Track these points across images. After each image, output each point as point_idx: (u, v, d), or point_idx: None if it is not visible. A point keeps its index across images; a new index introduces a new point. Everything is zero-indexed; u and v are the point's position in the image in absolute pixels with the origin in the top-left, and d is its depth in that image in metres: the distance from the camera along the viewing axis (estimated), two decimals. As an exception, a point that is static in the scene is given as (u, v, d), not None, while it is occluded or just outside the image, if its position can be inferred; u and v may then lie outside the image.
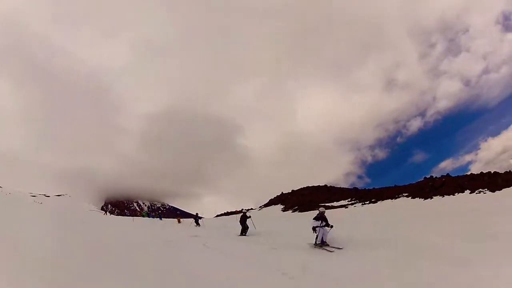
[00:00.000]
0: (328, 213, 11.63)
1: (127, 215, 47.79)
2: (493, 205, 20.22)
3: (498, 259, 6.83)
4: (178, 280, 5.59)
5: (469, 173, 32.28)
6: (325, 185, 48.42)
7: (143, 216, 42.42)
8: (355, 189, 44.74)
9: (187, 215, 50.43)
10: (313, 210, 39.78)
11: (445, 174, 29.94)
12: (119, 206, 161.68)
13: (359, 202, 35.42)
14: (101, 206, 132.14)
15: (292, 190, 50.05)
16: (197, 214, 24.54)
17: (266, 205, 53.59)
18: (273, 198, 52.54)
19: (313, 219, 10.59)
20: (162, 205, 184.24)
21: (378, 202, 32.54)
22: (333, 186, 48.84)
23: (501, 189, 26.21)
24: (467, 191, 26.86)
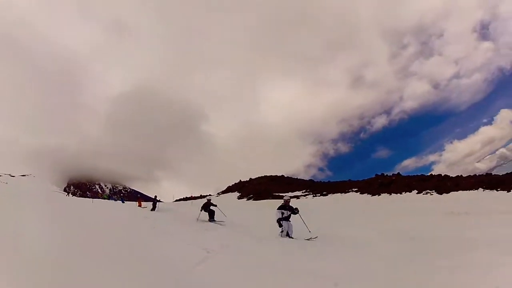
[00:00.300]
0: (278, 204, 10.23)
1: (89, 197, 45.89)
2: (434, 207, 19.43)
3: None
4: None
5: (431, 173, 31.69)
6: (282, 176, 47.13)
7: (104, 198, 42.12)
8: (311, 181, 43.86)
9: (148, 198, 48.98)
10: (267, 199, 38.72)
11: (396, 173, 29.00)
12: (81, 188, 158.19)
13: (311, 194, 34.09)
14: (64, 187, 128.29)
15: (250, 179, 48.60)
16: (155, 197, 23.50)
17: (224, 192, 52.43)
18: (231, 185, 51.12)
19: (277, 209, 9.62)
20: (124, 188, 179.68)
21: (329, 195, 31.32)
22: (290, 177, 47.89)
23: (449, 192, 25.68)
24: (415, 191, 25.95)
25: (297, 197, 34.91)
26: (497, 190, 25.24)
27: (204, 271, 5.06)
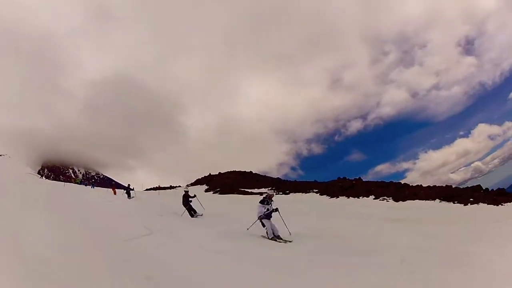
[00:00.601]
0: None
1: (62, 181, 44.20)
2: (383, 212, 19.14)
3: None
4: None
5: (403, 180, 31.64)
6: (251, 172, 46.43)
7: (77, 183, 40.98)
8: (278, 179, 43.55)
9: (120, 186, 47.64)
10: (232, 193, 38.04)
11: (357, 178, 28.75)
12: (55, 171, 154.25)
13: (275, 192, 33.53)
14: (38, 169, 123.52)
15: (219, 173, 47.59)
16: (129, 185, 23.34)
17: (193, 184, 51.43)
18: (200, 178, 50.03)
19: (259, 202, 8.73)
20: (97, 174, 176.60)
21: (290, 194, 30.77)
22: (258, 174, 47.21)
23: (405, 200, 25.52)
24: (372, 197, 25.64)
25: (261, 193, 34.48)
26: (454, 203, 25.33)
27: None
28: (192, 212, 12.34)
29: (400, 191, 26.79)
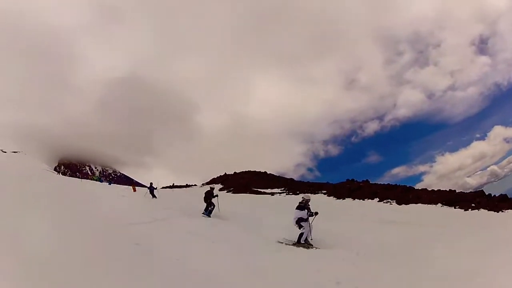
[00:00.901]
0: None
1: (79, 178, 46.77)
2: (382, 215, 20.62)
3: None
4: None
5: (420, 184, 32.78)
6: (265, 172, 48.55)
7: (94, 180, 42.46)
8: (291, 180, 45.26)
9: (138, 184, 50.20)
10: (245, 193, 40.27)
11: (365, 180, 30.18)
12: (72, 168, 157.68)
13: (286, 192, 35.59)
14: (54, 166, 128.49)
15: (234, 172, 50.01)
16: (151, 184, 22.76)
17: (208, 183, 53.81)
18: (216, 177, 52.53)
19: (297, 208, 8.54)
20: (114, 171, 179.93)
21: (300, 194, 32.63)
22: (273, 174, 49.17)
23: (408, 204, 26.80)
24: (376, 199, 27.17)
25: (272, 193, 36.52)
26: (455, 208, 26.40)
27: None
28: (209, 208, 12.81)
29: (404, 195, 28.12)
